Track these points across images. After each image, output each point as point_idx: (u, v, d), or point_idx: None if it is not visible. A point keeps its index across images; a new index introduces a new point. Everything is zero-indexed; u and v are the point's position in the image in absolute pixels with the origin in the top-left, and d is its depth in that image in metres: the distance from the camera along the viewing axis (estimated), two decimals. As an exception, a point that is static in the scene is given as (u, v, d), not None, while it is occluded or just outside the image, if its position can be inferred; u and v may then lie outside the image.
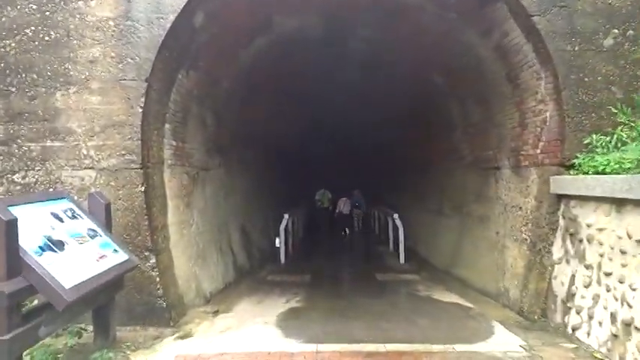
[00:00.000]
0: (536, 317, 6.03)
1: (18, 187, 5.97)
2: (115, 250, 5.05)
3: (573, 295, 5.42)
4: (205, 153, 8.88)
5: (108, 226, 5.32)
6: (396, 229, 12.28)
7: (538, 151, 6.65)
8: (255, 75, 10.17)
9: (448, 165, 11.27)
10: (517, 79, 6.96)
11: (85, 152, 6.00)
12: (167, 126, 6.90)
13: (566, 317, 5.52)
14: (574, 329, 5.32)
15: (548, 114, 6.35)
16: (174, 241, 6.88)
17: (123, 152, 5.99)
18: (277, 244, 12.01)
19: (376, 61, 10.88)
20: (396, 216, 12.18)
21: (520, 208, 7.13)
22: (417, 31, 8.47)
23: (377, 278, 9.77)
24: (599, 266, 5.00)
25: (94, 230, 5.01)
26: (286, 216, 12.20)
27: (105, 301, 5.08)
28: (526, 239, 6.80)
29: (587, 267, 5.21)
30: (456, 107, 9.97)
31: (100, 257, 4.74)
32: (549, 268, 6.03)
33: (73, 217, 4.94)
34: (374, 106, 14.65)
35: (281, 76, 11.39)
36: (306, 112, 15.47)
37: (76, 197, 5.90)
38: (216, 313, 6.82)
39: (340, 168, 27.60)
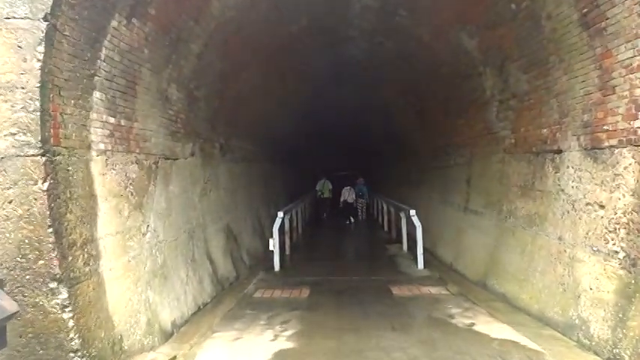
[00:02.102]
0: (648, 375, 3.97)
1: None
2: (-30, 293, 3.01)
3: None
4: (169, 137, 6.79)
5: (-30, 250, 3.27)
6: (412, 227, 10.26)
7: (636, 124, 4.54)
8: (238, 42, 8.06)
9: (477, 149, 9.16)
10: (601, 20, 4.82)
11: (-45, 131, 3.92)
12: (97, 94, 4.80)
13: None
14: None
15: (659, 66, 4.24)
16: (111, 259, 4.81)
17: (13, 131, 3.89)
18: (271, 247, 10.01)
19: (388, 23, 8.79)
20: (412, 212, 10.10)
21: (602, 206, 5.03)
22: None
23: (393, 293, 7.71)
24: None
25: None
26: (280, 214, 10.17)
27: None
28: (616, 252, 4.71)
29: None
30: (492, 75, 7.81)
31: None
32: (669, 300, 3.96)
33: None
34: (383, 82, 12.51)
35: (272, 45, 9.28)
36: (304, 91, 13.33)
37: (-59, 201, 3.86)
38: (171, 361, 4.81)
39: (344, 155, 25.83)
